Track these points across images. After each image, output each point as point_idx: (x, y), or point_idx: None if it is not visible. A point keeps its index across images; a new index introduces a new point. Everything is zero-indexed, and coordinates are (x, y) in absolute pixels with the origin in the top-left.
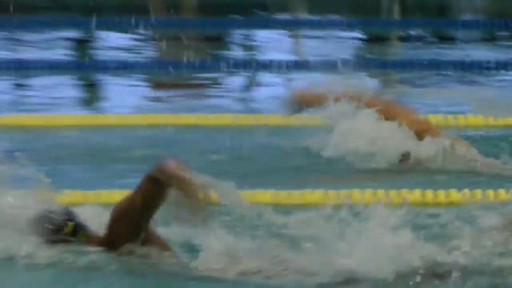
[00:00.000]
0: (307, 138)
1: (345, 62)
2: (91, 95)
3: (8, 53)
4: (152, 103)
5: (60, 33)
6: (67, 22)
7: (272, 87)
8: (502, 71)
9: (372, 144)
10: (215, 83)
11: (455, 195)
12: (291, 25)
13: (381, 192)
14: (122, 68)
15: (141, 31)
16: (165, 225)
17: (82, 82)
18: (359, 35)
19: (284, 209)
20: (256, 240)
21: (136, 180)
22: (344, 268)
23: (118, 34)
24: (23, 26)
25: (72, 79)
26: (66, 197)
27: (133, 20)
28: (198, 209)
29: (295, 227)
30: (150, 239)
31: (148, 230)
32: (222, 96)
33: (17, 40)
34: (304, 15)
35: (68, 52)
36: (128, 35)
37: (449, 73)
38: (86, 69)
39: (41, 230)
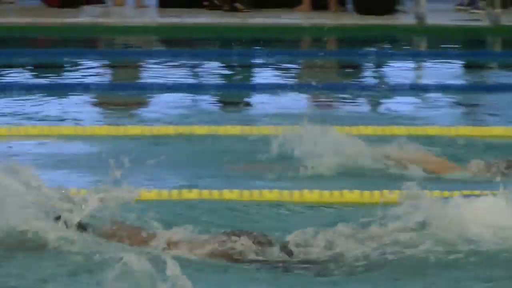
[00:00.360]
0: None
1: (452, 86)
2: (245, 110)
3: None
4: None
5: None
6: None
7: (395, 104)
8: None
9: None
10: (353, 100)
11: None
12: (413, 56)
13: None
14: (275, 88)
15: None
16: None
17: (240, 100)
18: (466, 64)
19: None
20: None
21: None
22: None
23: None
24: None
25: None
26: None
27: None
28: None
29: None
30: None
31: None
32: (355, 110)
33: (190, 67)
34: (424, 48)
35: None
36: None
37: None
38: (244, 89)
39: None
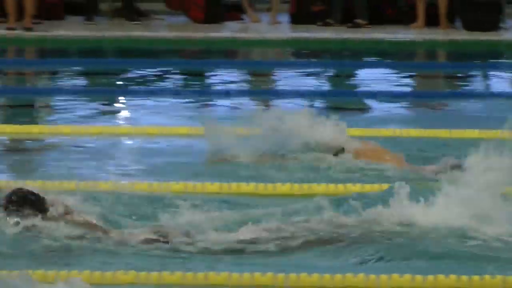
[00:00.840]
0: None
1: None
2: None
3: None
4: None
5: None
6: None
7: (498, 109)
8: None
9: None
10: (460, 106)
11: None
12: None
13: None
14: (392, 96)
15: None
16: None
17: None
18: None
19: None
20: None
21: None
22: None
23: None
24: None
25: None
26: None
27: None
28: None
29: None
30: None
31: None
32: (462, 115)
33: (318, 75)
34: None
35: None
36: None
37: None
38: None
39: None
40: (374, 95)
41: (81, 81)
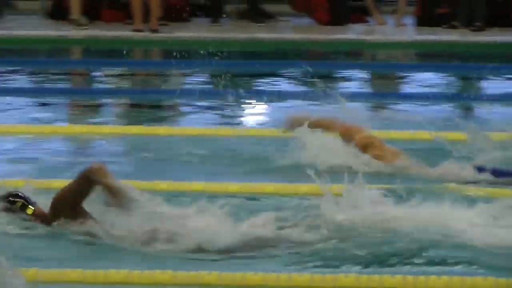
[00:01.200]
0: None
1: None
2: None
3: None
4: None
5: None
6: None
7: None
8: None
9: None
10: None
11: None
12: None
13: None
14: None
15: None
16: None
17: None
18: None
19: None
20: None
21: None
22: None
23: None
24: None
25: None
26: None
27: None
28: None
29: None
30: (82, 216)
31: (81, 210)
32: None
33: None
34: None
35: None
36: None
37: None
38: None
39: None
40: (500, 98)
41: (205, 82)
